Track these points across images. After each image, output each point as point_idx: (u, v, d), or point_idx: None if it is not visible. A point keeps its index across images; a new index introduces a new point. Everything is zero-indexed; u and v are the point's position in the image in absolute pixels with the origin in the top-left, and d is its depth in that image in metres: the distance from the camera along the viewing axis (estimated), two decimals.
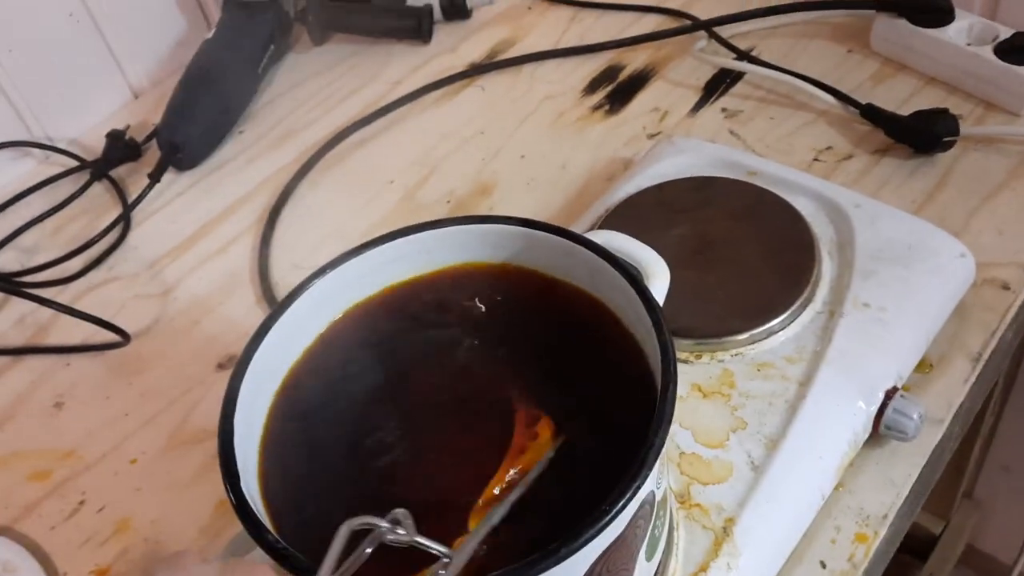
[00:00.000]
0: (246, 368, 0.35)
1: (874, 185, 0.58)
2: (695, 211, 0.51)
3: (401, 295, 0.40)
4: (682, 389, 0.44)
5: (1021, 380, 0.84)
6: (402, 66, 0.77)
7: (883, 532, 0.42)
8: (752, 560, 0.39)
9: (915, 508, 0.47)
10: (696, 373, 0.45)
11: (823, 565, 0.41)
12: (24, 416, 0.55)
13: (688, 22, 0.72)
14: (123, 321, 0.58)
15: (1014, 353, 0.61)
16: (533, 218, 0.39)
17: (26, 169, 0.72)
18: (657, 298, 0.36)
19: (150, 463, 0.51)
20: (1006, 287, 0.51)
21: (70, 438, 0.53)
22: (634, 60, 0.72)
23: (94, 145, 0.73)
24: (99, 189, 0.70)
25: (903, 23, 0.64)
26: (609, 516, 0.29)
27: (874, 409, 0.43)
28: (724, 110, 0.65)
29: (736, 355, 0.46)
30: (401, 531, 0.28)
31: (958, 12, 0.63)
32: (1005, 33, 0.61)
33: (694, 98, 0.67)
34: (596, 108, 0.68)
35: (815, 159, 0.60)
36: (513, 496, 0.32)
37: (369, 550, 0.27)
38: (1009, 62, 0.59)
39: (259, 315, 0.58)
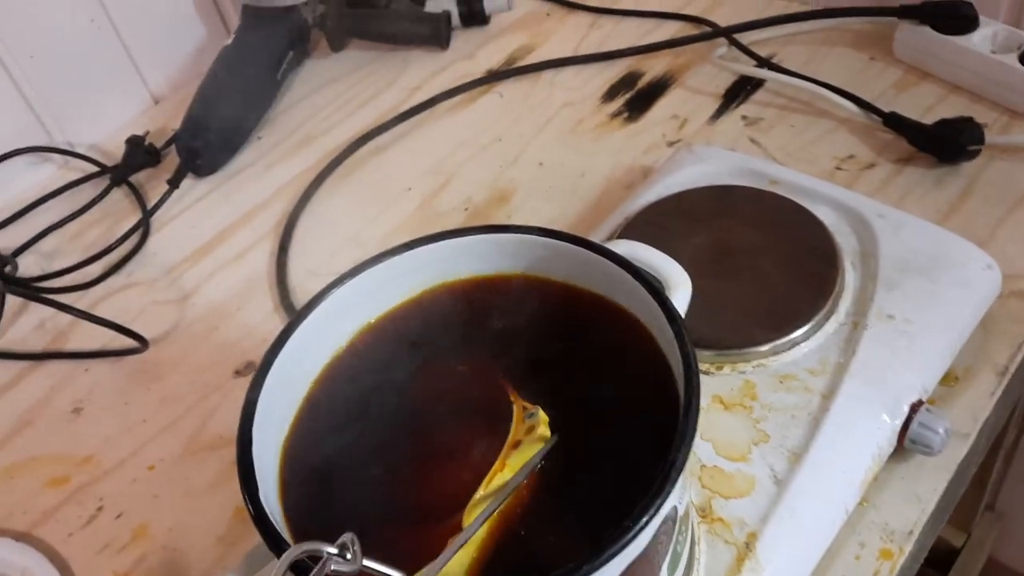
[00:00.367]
0: (265, 376, 0.35)
1: (897, 194, 0.57)
2: (715, 220, 0.51)
3: (421, 304, 0.40)
4: (703, 400, 0.44)
5: None
6: (420, 72, 0.76)
7: (908, 548, 0.41)
8: (775, 575, 0.38)
9: (939, 523, 0.47)
10: (717, 384, 0.45)
11: None
12: (43, 421, 0.55)
13: (708, 29, 0.72)
14: (141, 327, 0.58)
15: None
16: (553, 228, 0.38)
17: (46, 174, 0.72)
18: (679, 310, 0.36)
19: (168, 470, 0.51)
20: None
21: (88, 444, 0.53)
22: (653, 67, 0.71)
23: (114, 151, 0.74)
24: (118, 195, 0.70)
25: (927, 30, 0.63)
26: (632, 533, 0.28)
27: (899, 423, 0.43)
28: (744, 118, 0.65)
29: (758, 366, 0.45)
30: (348, 556, 0.27)
31: (982, 19, 0.62)
32: None
33: (714, 105, 0.66)
34: (615, 115, 0.68)
35: (837, 168, 0.59)
36: (500, 500, 0.32)
37: None
38: None
39: (277, 321, 0.58)
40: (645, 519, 0.29)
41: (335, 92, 0.77)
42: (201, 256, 0.64)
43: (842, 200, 0.51)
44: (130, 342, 0.57)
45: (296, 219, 0.65)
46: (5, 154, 0.69)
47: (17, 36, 0.68)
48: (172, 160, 0.72)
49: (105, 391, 0.56)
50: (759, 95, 0.66)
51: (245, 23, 0.75)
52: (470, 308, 0.40)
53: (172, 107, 0.78)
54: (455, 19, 0.78)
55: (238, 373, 0.56)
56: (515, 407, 0.35)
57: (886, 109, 0.61)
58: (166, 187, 0.68)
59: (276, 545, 0.30)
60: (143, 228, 0.66)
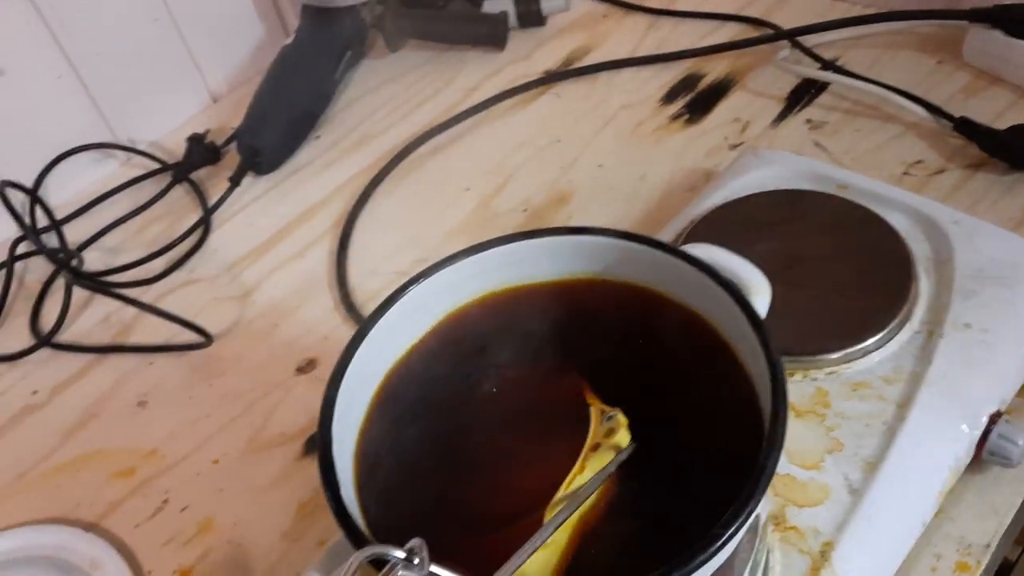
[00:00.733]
0: (344, 373, 0.35)
1: (968, 201, 0.56)
2: (783, 225, 0.50)
3: (493, 305, 0.40)
4: None
5: None
6: (477, 73, 0.77)
7: (985, 561, 0.41)
8: None
9: (1012, 536, 0.46)
10: (789, 391, 0.44)
11: None
12: (108, 414, 0.56)
13: (770, 31, 0.71)
14: (203, 322, 0.59)
15: None
16: (630, 230, 0.38)
17: (109, 171, 0.74)
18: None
19: (231, 464, 0.52)
20: None
21: (153, 437, 0.54)
22: (714, 69, 0.71)
23: (174, 148, 0.75)
24: (180, 192, 0.71)
25: (997, 34, 0.62)
26: (722, 540, 0.28)
27: (977, 434, 0.42)
28: (808, 121, 0.64)
29: (830, 374, 0.45)
30: (416, 561, 0.26)
31: None
32: None
33: (777, 108, 0.66)
34: (675, 117, 0.67)
35: (905, 173, 0.58)
36: (578, 502, 0.31)
37: None
38: None
39: (337, 319, 0.59)
40: (735, 526, 0.28)
41: (392, 92, 0.77)
42: (261, 253, 0.65)
43: (915, 206, 0.50)
44: (194, 337, 0.58)
45: (355, 218, 0.66)
46: (70, 150, 0.70)
47: (84, 35, 0.69)
48: (232, 158, 0.73)
49: (169, 385, 0.57)
50: (823, 98, 0.65)
51: (305, 23, 0.76)
52: (543, 311, 0.39)
53: (230, 106, 0.79)
54: (512, 19, 0.78)
55: (299, 370, 0.56)
56: (592, 409, 0.35)
57: (955, 114, 0.59)
58: (226, 185, 0.68)
59: (358, 542, 0.30)
60: (204, 225, 0.67)
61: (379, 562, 0.27)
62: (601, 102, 0.71)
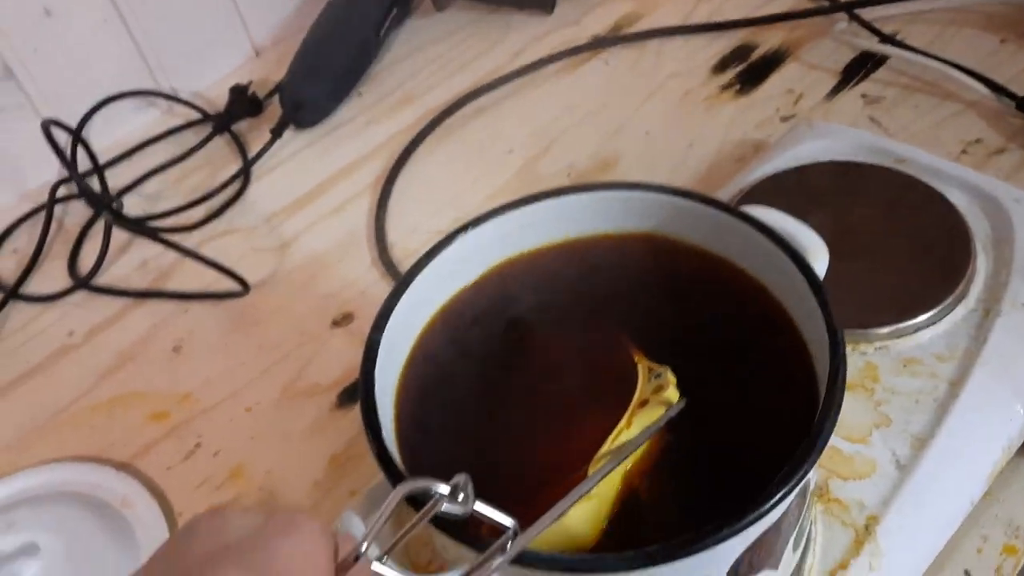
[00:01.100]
0: (388, 318, 0.35)
1: None
2: (838, 197, 0.49)
3: (541, 258, 0.39)
4: None
5: None
6: (523, 36, 0.75)
7: None
8: (896, 562, 0.37)
9: None
10: None
11: (968, 574, 0.39)
12: (144, 358, 0.56)
13: (827, 2, 0.69)
14: (240, 272, 0.58)
15: None
16: (685, 187, 0.37)
17: (151, 119, 0.73)
18: None
19: (264, 413, 0.52)
20: None
21: (187, 382, 0.54)
22: (767, 40, 0.69)
23: (215, 99, 0.74)
24: (220, 142, 0.71)
25: None
26: (776, 499, 0.27)
27: None
28: (864, 96, 0.62)
29: (880, 348, 0.43)
30: (460, 498, 0.26)
31: None
32: None
33: (831, 82, 0.64)
34: (726, 88, 0.66)
35: (963, 152, 0.57)
36: (626, 453, 0.31)
37: (424, 520, 0.25)
38: None
39: (375, 275, 0.58)
40: (789, 486, 0.27)
41: (436, 52, 0.76)
42: (300, 207, 0.64)
43: (975, 183, 0.49)
44: (231, 285, 0.58)
45: (395, 176, 0.65)
46: (114, 96, 0.70)
47: None
48: (273, 111, 0.72)
49: (205, 332, 0.57)
50: (880, 73, 0.64)
51: None
52: (592, 266, 0.39)
53: (273, 60, 0.78)
54: None
55: (335, 324, 0.56)
56: (640, 367, 0.34)
57: (1019, 93, 0.58)
58: (267, 137, 0.68)
59: (398, 483, 0.30)
60: (244, 176, 0.67)
61: (421, 499, 0.26)
62: (650, 70, 0.69)
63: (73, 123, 0.66)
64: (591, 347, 0.37)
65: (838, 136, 0.54)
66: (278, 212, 0.64)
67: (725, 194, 0.52)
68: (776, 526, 0.30)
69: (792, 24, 0.69)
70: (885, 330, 0.44)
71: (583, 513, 0.30)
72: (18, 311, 0.60)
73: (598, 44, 0.72)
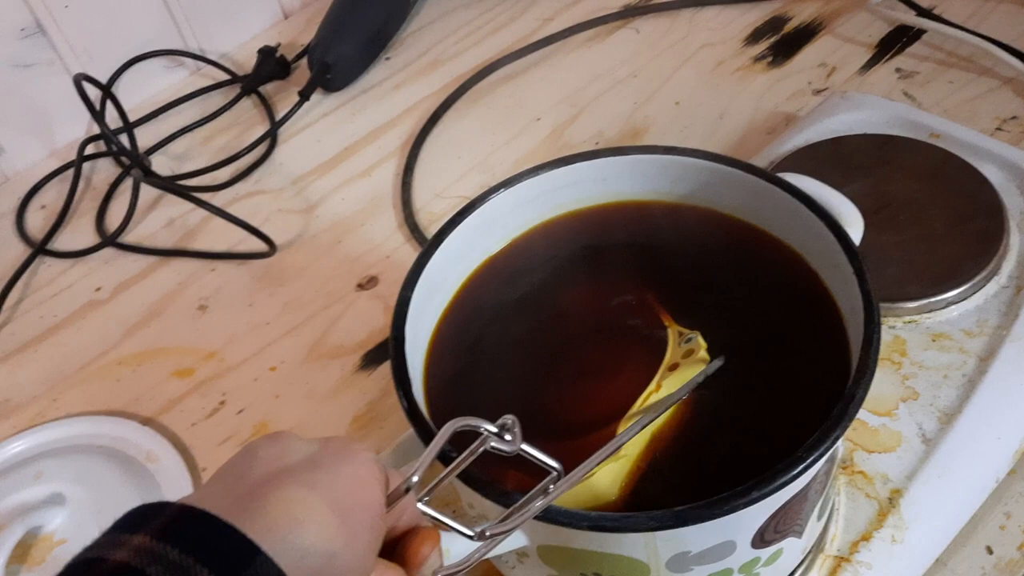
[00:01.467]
0: (419, 275, 0.35)
1: None
2: (873, 169, 0.48)
3: (573, 221, 0.39)
4: None
5: None
6: (554, 3, 0.75)
7: None
8: (918, 535, 0.37)
9: None
10: None
11: (990, 551, 0.39)
12: (170, 315, 0.56)
13: None
14: (267, 233, 0.59)
15: None
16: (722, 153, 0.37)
17: (179, 78, 0.73)
18: None
19: (289, 372, 0.52)
20: None
21: (213, 340, 0.54)
22: (802, 11, 0.68)
23: (243, 61, 0.74)
24: (248, 104, 0.71)
25: None
26: (806, 463, 0.27)
27: None
28: (898, 70, 0.61)
29: (909, 322, 0.43)
30: (508, 437, 0.26)
31: None
32: None
33: (866, 55, 0.63)
34: (758, 59, 0.65)
35: (998, 128, 0.56)
36: (648, 418, 0.31)
37: (472, 457, 0.26)
38: None
39: (400, 239, 0.58)
40: (820, 451, 0.27)
41: (465, 18, 0.75)
42: (327, 170, 0.64)
43: (1012, 159, 0.48)
44: (257, 245, 0.58)
45: (422, 141, 0.65)
46: (144, 54, 0.70)
47: None
48: (301, 74, 0.72)
49: (230, 291, 0.57)
50: (916, 48, 0.63)
51: None
52: (625, 229, 0.39)
53: (301, 22, 0.78)
54: None
55: (360, 287, 0.56)
56: (671, 331, 0.34)
57: None
58: (294, 100, 0.68)
59: (428, 438, 0.30)
60: (271, 138, 0.67)
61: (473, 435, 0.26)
62: (682, 39, 0.68)
63: (103, 81, 0.66)
64: (622, 310, 0.37)
65: (873, 108, 0.53)
66: (305, 174, 0.64)
67: (757, 164, 0.51)
68: (803, 492, 0.30)
69: None
70: (915, 304, 0.43)
71: (609, 472, 0.30)
72: (46, 266, 0.61)
73: (629, 12, 0.71)
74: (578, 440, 0.32)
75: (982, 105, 0.58)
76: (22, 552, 0.44)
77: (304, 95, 0.67)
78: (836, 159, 0.49)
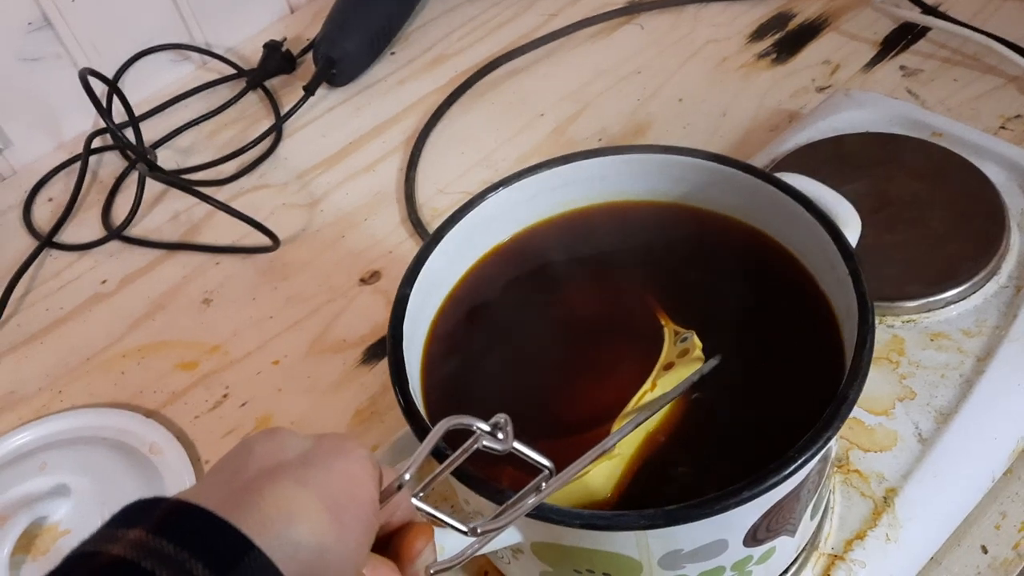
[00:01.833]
0: (418, 273, 0.35)
1: None
2: (874, 168, 0.48)
3: (572, 219, 0.39)
4: None
5: None
6: None
7: None
8: (913, 534, 0.37)
9: None
10: None
11: (984, 550, 0.39)
12: (175, 308, 0.57)
13: None
14: (271, 227, 0.59)
15: None
16: (720, 152, 0.37)
17: (185, 72, 0.74)
18: None
19: (292, 366, 0.52)
20: None
21: (217, 333, 0.55)
22: (806, 8, 0.68)
23: (249, 55, 0.74)
24: (253, 98, 0.71)
25: None
26: (797, 463, 0.27)
27: None
28: (903, 68, 0.61)
29: (908, 322, 0.43)
30: (500, 436, 0.26)
31: None
32: None
33: (870, 53, 0.63)
34: (762, 56, 0.65)
35: (1002, 127, 0.56)
36: (644, 415, 0.31)
37: (466, 455, 0.26)
38: None
39: (403, 235, 0.59)
40: (812, 451, 0.28)
41: (470, 14, 0.75)
42: (331, 164, 0.65)
43: (1013, 158, 0.48)
44: (261, 239, 0.58)
45: (426, 136, 0.65)
46: (150, 48, 0.70)
47: None
48: (306, 68, 0.72)
49: (234, 285, 0.57)
50: (920, 45, 0.63)
51: None
52: (623, 228, 0.39)
53: (307, 17, 0.78)
54: None
55: (363, 281, 0.56)
56: (667, 330, 0.34)
57: None
58: (299, 94, 0.68)
59: (424, 436, 0.30)
60: (276, 132, 0.67)
61: (466, 434, 0.26)
62: (686, 35, 0.68)
63: (109, 75, 0.66)
64: (619, 308, 0.37)
65: (875, 106, 0.53)
66: (309, 169, 0.65)
67: (758, 163, 0.51)
68: (795, 492, 0.30)
69: None
70: (913, 303, 0.43)
71: (602, 471, 0.30)
72: (53, 259, 0.61)
73: (634, 8, 0.71)
74: (573, 438, 0.33)
75: (986, 103, 0.58)
76: (27, 542, 0.45)
77: (309, 90, 0.67)
78: (837, 158, 0.49)
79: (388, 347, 0.33)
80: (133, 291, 0.58)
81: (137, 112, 0.67)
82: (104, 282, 0.59)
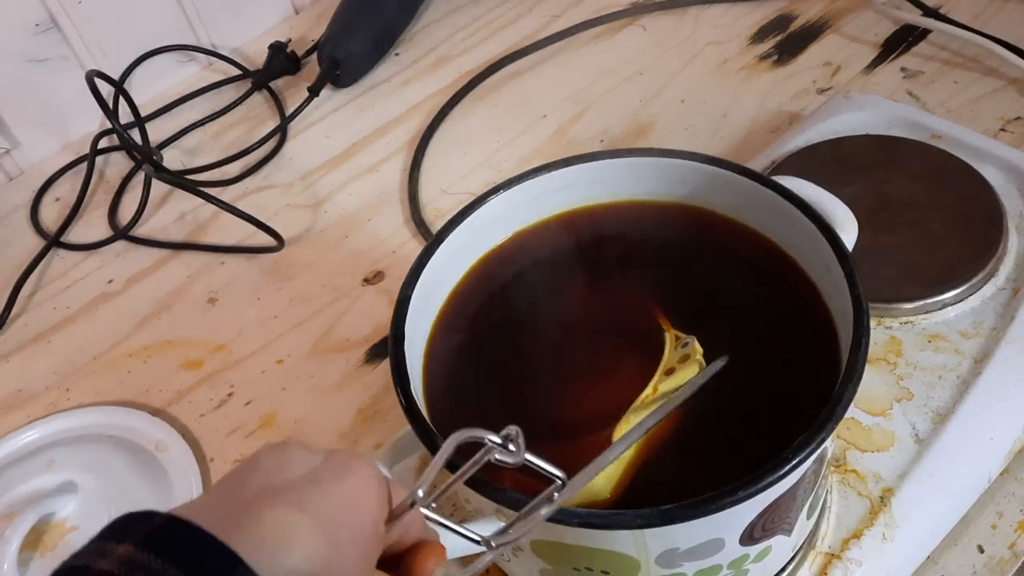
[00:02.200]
0: (420, 274, 0.35)
1: None
2: (873, 170, 0.49)
3: (571, 221, 0.39)
4: None
5: None
6: (561, 0, 0.75)
7: None
8: (909, 534, 0.37)
9: None
10: None
11: (981, 550, 0.39)
12: (179, 308, 0.57)
13: None
14: (276, 227, 0.59)
15: None
16: (719, 156, 0.37)
17: (191, 73, 0.74)
18: None
19: (295, 365, 0.53)
20: None
21: (222, 333, 0.55)
22: (808, 10, 0.68)
23: (254, 56, 0.75)
24: (258, 99, 0.72)
25: None
26: (792, 464, 0.28)
27: None
28: (903, 70, 0.62)
29: (905, 323, 0.44)
30: (512, 448, 0.25)
31: None
32: None
33: (871, 55, 0.63)
34: (764, 58, 0.65)
35: (1002, 129, 0.56)
36: (653, 419, 0.31)
37: (476, 468, 0.26)
38: None
39: (406, 235, 0.59)
40: (806, 452, 0.28)
41: (473, 15, 0.76)
42: (335, 165, 0.65)
43: (1012, 161, 0.48)
44: (266, 240, 0.59)
45: (429, 137, 0.65)
46: (156, 49, 0.71)
47: None
48: (311, 69, 0.73)
49: (239, 285, 0.58)
50: (921, 47, 0.63)
51: None
52: (623, 231, 0.39)
53: (312, 18, 0.78)
54: None
55: (367, 281, 0.57)
56: (668, 335, 0.35)
57: None
58: (304, 95, 0.68)
59: (426, 436, 0.31)
60: (281, 133, 0.68)
61: (476, 446, 0.26)
62: (688, 37, 0.69)
63: (116, 76, 0.67)
64: (619, 309, 0.37)
65: (875, 109, 0.54)
66: (314, 170, 0.65)
67: (758, 165, 0.52)
68: (791, 492, 0.31)
69: None
70: (911, 305, 0.44)
71: (601, 476, 0.31)
72: (60, 258, 0.62)
73: (636, 10, 0.72)
74: (574, 441, 0.33)
75: (986, 105, 0.58)
76: (35, 538, 0.45)
77: (313, 91, 0.68)
78: (836, 160, 0.49)
79: (390, 347, 0.34)
80: (139, 291, 0.59)
81: (143, 113, 0.68)
82: (110, 282, 0.60)
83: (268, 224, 0.58)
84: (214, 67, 0.75)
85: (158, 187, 0.64)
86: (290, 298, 0.57)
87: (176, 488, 0.47)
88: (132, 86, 0.70)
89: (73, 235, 0.64)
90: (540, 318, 0.37)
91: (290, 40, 0.73)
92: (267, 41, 0.73)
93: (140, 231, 0.63)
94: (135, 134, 0.66)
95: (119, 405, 0.52)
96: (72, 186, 0.67)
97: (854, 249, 0.36)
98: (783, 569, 0.36)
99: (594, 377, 0.35)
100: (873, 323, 0.44)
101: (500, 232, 0.39)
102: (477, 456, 0.26)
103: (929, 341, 0.43)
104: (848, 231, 0.36)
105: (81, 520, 0.46)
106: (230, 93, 0.72)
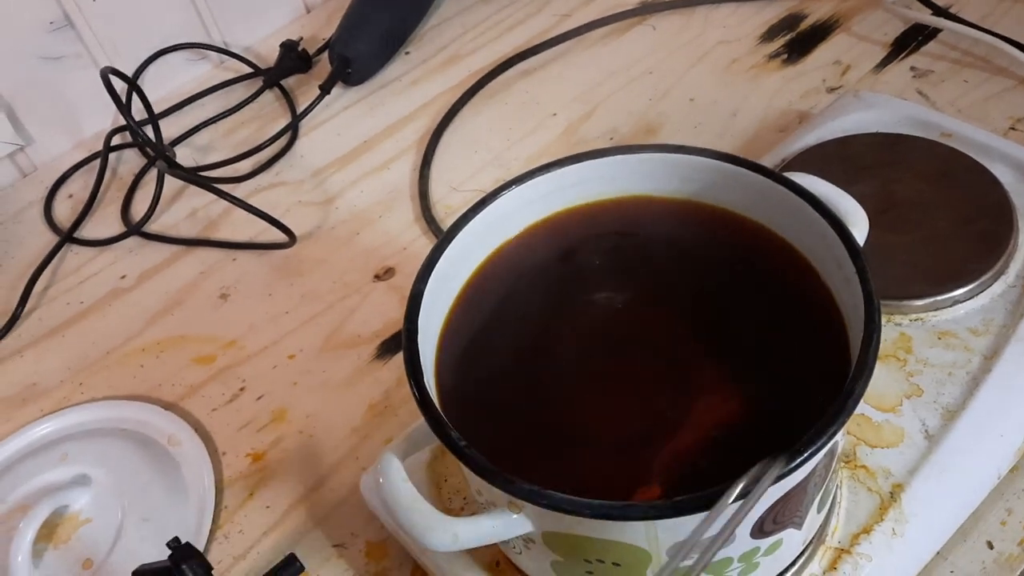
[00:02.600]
0: (432, 269, 0.36)
1: None
2: (882, 169, 0.49)
3: (583, 218, 0.40)
4: None
5: None
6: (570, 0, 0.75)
7: None
8: (919, 529, 0.37)
9: None
10: None
11: (990, 546, 0.39)
12: (192, 303, 0.58)
13: None
14: (287, 224, 0.60)
15: None
16: (730, 152, 0.38)
17: (203, 71, 0.75)
18: None
19: (307, 361, 0.53)
20: None
21: (233, 328, 0.56)
22: (818, 9, 0.69)
23: (266, 54, 0.75)
24: (270, 97, 0.72)
25: None
26: (803, 457, 0.28)
27: None
28: (913, 69, 0.62)
29: (915, 320, 0.44)
30: None
31: None
32: None
33: (881, 54, 0.63)
34: (773, 57, 0.66)
35: (1011, 128, 0.56)
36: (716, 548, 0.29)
37: None
38: None
39: (417, 232, 0.59)
40: (817, 444, 0.28)
41: (483, 14, 0.76)
42: (346, 163, 0.66)
43: (1022, 159, 0.48)
44: (277, 236, 0.59)
45: (440, 135, 0.66)
46: (169, 47, 0.72)
47: None
48: (322, 67, 0.73)
49: (251, 281, 0.58)
50: (931, 46, 0.63)
51: None
52: (633, 227, 0.39)
53: (323, 16, 0.79)
54: None
55: (377, 278, 0.57)
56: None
57: None
58: (315, 93, 0.69)
59: (439, 429, 0.31)
60: (292, 131, 0.68)
61: None
62: (697, 36, 0.69)
63: (129, 73, 0.67)
64: (630, 307, 0.37)
65: (885, 107, 0.54)
66: (325, 167, 0.66)
67: (767, 163, 0.52)
68: (802, 486, 0.31)
69: None
70: (921, 302, 0.44)
71: None
72: (73, 254, 0.63)
73: (646, 9, 0.72)
74: (582, 439, 0.33)
75: (996, 104, 0.58)
76: (48, 530, 0.46)
77: (325, 89, 0.68)
78: (845, 158, 0.50)
79: (403, 340, 0.34)
80: (152, 286, 0.59)
81: (156, 110, 0.68)
82: (123, 277, 0.60)
83: (280, 220, 0.58)
84: (226, 65, 0.75)
85: (170, 184, 0.65)
86: (301, 294, 0.57)
87: (189, 482, 0.48)
88: (145, 84, 0.70)
89: (86, 231, 0.64)
90: (550, 313, 0.38)
91: (301, 39, 0.74)
92: (279, 40, 0.74)
93: (152, 227, 0.63)
94: (148, 131, 0.66)
95: (132, 399, 0.53)
96: (85, 183, 0.67)
97: (865, 245, 0.36)
98: (793, 563, 0.36)
99: (607, 372, 0.36)
100: (883, 320, 0.44)
101: (511, 227, 0.39)
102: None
103: (939, 338, 0.43)
104: (859, 227, 0.36)
105: (94, 513, 0.47)
106: (242, 91, 0.72)
